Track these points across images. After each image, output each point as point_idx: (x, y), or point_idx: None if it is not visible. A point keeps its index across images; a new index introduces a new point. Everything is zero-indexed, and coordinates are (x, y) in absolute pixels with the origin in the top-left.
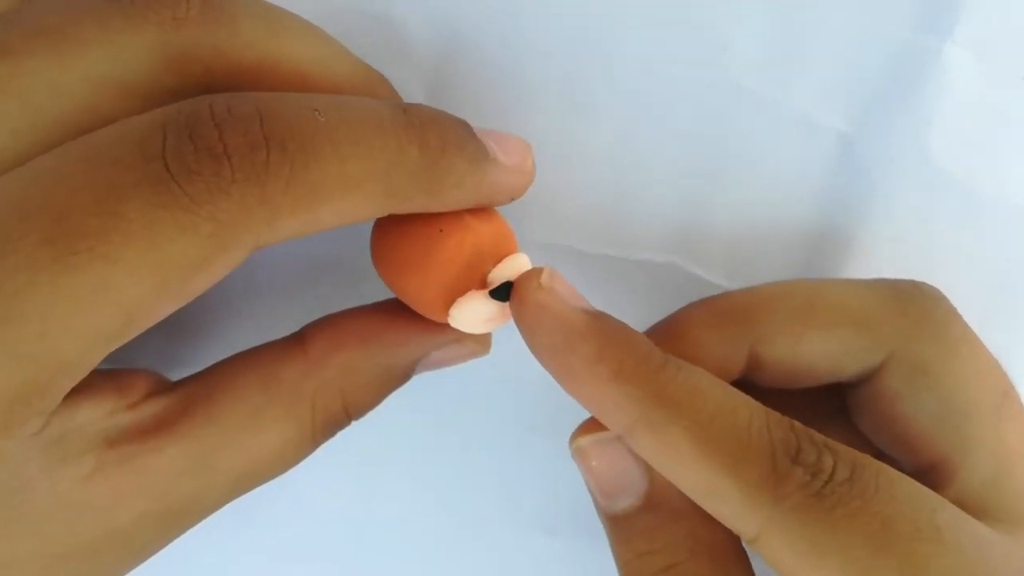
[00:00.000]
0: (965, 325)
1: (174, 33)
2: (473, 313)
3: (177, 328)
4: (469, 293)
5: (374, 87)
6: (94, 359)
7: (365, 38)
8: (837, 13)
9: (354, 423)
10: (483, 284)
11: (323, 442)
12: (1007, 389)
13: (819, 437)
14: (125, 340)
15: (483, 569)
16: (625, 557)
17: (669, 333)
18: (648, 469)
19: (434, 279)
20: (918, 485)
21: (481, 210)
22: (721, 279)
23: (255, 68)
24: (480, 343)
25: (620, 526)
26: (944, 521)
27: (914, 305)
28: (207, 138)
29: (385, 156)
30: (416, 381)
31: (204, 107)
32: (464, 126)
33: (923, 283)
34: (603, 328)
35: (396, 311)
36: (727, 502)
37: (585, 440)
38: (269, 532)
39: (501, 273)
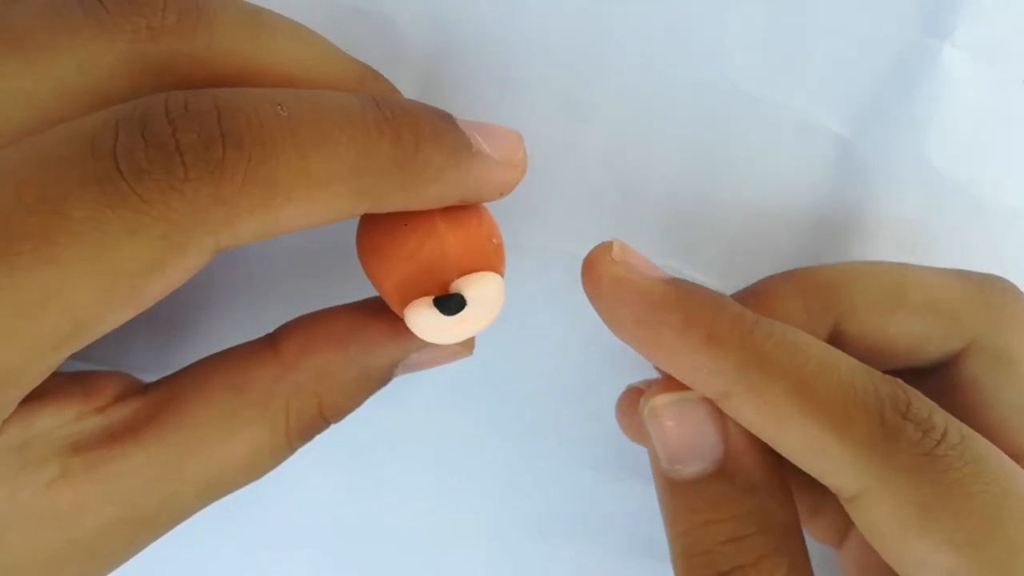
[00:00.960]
0: None
1: (150, 43)
2: (422, 320)
3: (158, 326)
4: (424, 299)
5: (368, 86)
6: (43, 367)
7: (358, 36)
8: (836, 15)
9: (344, 423)
10: (443, 291)
11: (300, 446)
12: None
13: (927, 399)
14: (77, 347)
15: (477, 574)
16: (686, 526)
17: (751, 302)
18: (725, 435)
19: (391, 272)
20: (1019, 467)
21: (463, 213)
22: (717, 283)
23: (237, 76)
24: (462, 344)
25: (684, 492)
26: None
27: (996, 295)
28: (160, 134)
29: (353, 153)
30: (408, 380)
31: (159, 103)
32: (444, 117)
33: (1000, 276)
34: (688, 294)
35: (374, 311)
36: (832, 460)
37: (662, 399)
38: (256, 530)
39: (462, 286)
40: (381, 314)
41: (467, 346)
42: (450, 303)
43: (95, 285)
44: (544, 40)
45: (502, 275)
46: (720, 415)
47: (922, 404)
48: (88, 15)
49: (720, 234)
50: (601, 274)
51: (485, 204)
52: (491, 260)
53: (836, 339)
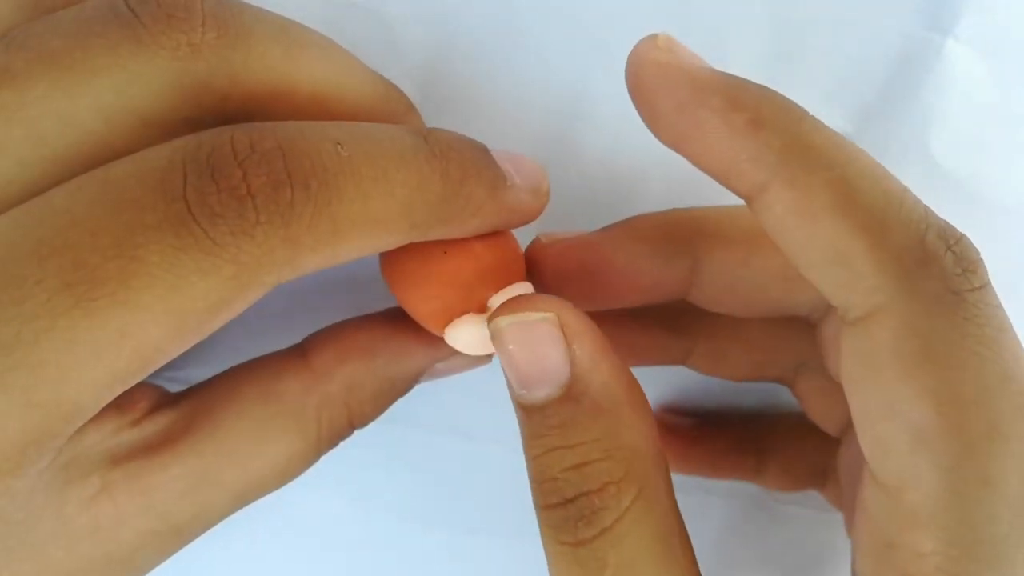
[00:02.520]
0: None
1: (190, 61)
2: (467, 335)
3: None
4: (465, 316)
5: (391, 103)
6: (107, 400)
7: (355, 33)
8: (837, 9)
9: None
10: (482, 308)
11: (325, 453)
12: None
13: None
14: (139, 380)
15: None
16: (535, 451)
17: (587, 250)
18: (570, 357)
19: (432, 297)
20: None
21: (496, 233)
22: None
23: (271, 92)
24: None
25: (534, 418)
26: None
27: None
28: (230, 178)
29: (407, 190)
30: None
31: (225, 143)
32: (483, 152)
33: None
34: (734, 80)
35: (400, 321)
36: (852, 270)
37: (505, 321)
38: (253, 532)
39: (501, 300)
40: (407, 324)
41: (487, 355)
42: None
43: (167, 325)
44: (543, 38)
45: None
46: (565, 335)
47: (974, 250)
48: (125, 30)
49: None
50: (645, 60)
51: None
52: (520, 271)
53: (695, 283)
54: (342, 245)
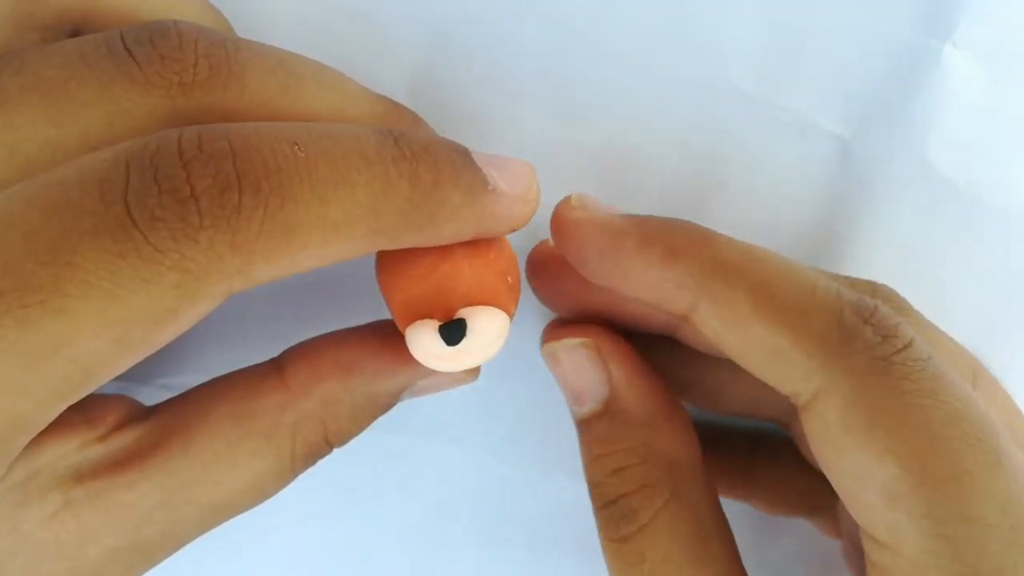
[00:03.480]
0: (920, 315)
1: (181, 99)
2: (421, 343)
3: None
4: (428, 320)
5: (394, 122)
6: (52, 414)
7: (347, 37)
8: (835, 15)
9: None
10: (448, 316)
11: (302, 472)
12: (976, 367)
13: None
14: (86, 393)
15: None
16: (586, 459)
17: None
18: (609, 377)
19: (401, 290)
20: (976, 395)
21: (483, 244)
22: None
23: None
24: (467, 371)
25: (583, 430)
26: (1004, 446)
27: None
28: (173, 179)
29: (371, 194)
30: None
31: (172, 143)
32: (461, 154)
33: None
34: (643, 220)
35: (380, 336)
36: (787, 363)
37: (555, 345)
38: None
39: (465, 315)
40: (388, 339)
41: (472, 372)
42: (450, 330)
43: (107, 335)
44: (537, 40)
45: (510, 315)
46: (602, 358)
47: (890, 314)
48: (119, 68)
49: None
50: (565, 220)
51: (507, 239)
52: (502, 297)
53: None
54: (299, 253)
